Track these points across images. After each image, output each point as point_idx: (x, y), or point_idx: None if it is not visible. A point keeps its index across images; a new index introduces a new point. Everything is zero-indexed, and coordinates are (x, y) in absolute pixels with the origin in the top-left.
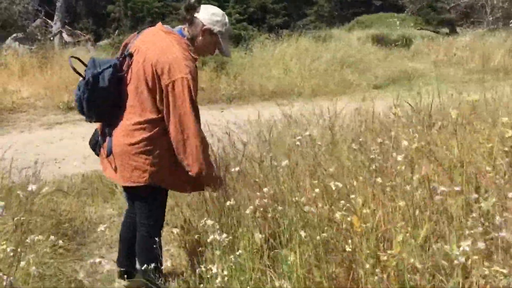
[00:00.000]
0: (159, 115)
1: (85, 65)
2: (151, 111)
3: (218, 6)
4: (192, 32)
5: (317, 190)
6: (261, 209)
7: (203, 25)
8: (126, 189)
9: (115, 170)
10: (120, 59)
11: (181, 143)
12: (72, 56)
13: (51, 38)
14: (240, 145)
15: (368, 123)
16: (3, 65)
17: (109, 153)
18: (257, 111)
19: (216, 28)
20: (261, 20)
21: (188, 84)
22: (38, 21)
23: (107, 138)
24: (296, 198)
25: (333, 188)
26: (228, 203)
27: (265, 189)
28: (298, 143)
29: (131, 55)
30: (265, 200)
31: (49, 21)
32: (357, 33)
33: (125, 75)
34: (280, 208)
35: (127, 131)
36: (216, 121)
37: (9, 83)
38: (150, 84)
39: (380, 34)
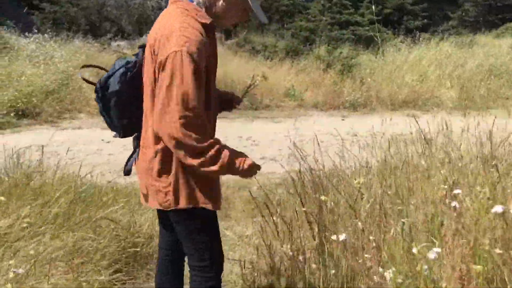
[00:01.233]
0: None
1: (107, 70)
2: None
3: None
4: None
5: None
6: None
7: None
8: (159, 214)
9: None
10: (140, 55)
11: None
12: (84, 66)
13: None
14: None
15: None
16: None
17: (128, 171)
18: (384, 121)
19: None
20: (397, 22)
21: (182, 59)
22: None
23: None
24: None
25: None
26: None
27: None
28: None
29: (143, 47)
30: None
31: None
32: (508, 40)
33: (141, 74)
34: None
35: (144, 143)
36: (335, 130)
37: None
38: (156, 73)
39: None
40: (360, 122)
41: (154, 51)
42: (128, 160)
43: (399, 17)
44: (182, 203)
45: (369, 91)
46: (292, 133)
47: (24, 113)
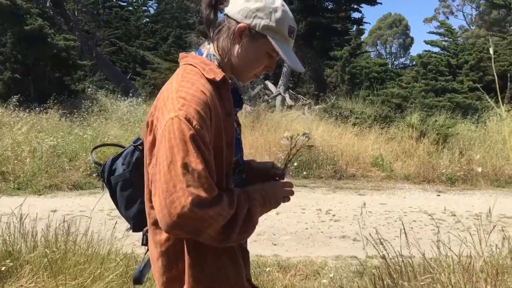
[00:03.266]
0: None
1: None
2: None
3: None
4: (222, 44)
5: None
6: None
7: (237, 22)
8: None
9: None
10: None
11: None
12: (95, 147)
13: (269, 101)
14: None
15: None
16: None
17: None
18: (488, 200)
19: (261, 22)
20: (501, 89)
21: (180, 126)
22: (258, 87)
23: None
24: None
25: None
26: None
27: None
28: None
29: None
30: None
31: (268, 84)
32: None
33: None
34: None
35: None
36: (429, 207)
37: None
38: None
39: None
40: (459, 199)
41: (152, 123)
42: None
43: (503, 84)
44: None
45: (470, 164)
46: (378, 209)
47: None
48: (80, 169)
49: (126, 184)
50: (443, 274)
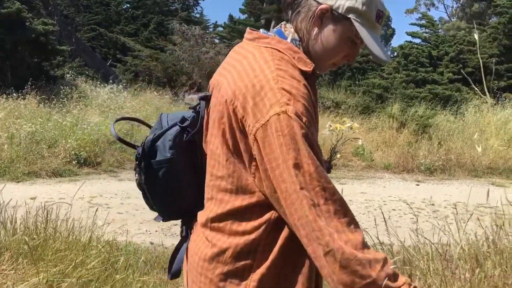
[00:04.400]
0: (259, 198)
1: (149, 126)
2: (244, 191)
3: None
4: (300, 26)
5: None
6: None
7: (318, 3)
8: None
9: None
10: (202, 109)
11: (312, 255)
12: (118, 119)
13: None
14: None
15: None
16: None
17: (176, 271)
18: (465, 189)
19: (345, 4)
20: (478, 82)
21: (290, 123)
22: None
23: (184, 244)
24: None
25: None
26: None
27: None
28: None
29: (205, 98)
30: None
31: None
32: None
33: (200, 133)
34: None
35: (206, 232)
36: (408, 196)
37: None
38: (230, 141)
39: None
40: (437, 189)
41: (233, 111)
42: (174, 256)
43: (481, 77)
44: None
45: (448, 154)
46: (358, 198)
47: (85, 162)
48: (60, 156)
49: (171, 170)
50: (422, 261)
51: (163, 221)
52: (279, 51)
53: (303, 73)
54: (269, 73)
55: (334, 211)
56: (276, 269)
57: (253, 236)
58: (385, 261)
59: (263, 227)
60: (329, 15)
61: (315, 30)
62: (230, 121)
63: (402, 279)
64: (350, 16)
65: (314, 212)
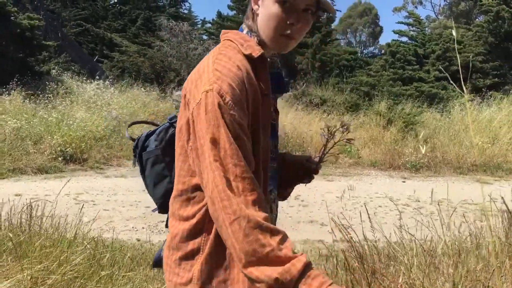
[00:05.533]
0: (197, 181)
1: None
2: (185, 174)
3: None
4: (251, 17)
5: None
6: None
7: None
8: None
9: None
10: None
11: (219, 225)
12: (130, 124)
13: None
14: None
15: None
16: None
17: (156, 260)
18: (450, 186)
19: None
20: (464, 80)
21: (213, 101)
22: None
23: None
24: None
25: None
26: None
27: None
28: None
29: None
30: None
31: None
32: None
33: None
34: None
35: (170, 218)
36: (394, 193)
37: None
38: (185, 128)
39: None
40: (423, 186)
41: (187, 99)
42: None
43: (466, 75)
44: None
45: (434, 151)
46: (345, 195)
47: (71, 158)
48: (45, 152)
49: (156, 161)
50: (406, 256)
51: (159, 212)
52: (231, 40)
53: (248, 58)
54: (211, 58)
55: (242, 188)
56: (219, 250)
57: (195, 220)
58: (285, 235)
59: (202, 211)
60: None
61: (255, 7)
62: (186, 111)
63: (303, 258)
64: None
65: (225, 183)
